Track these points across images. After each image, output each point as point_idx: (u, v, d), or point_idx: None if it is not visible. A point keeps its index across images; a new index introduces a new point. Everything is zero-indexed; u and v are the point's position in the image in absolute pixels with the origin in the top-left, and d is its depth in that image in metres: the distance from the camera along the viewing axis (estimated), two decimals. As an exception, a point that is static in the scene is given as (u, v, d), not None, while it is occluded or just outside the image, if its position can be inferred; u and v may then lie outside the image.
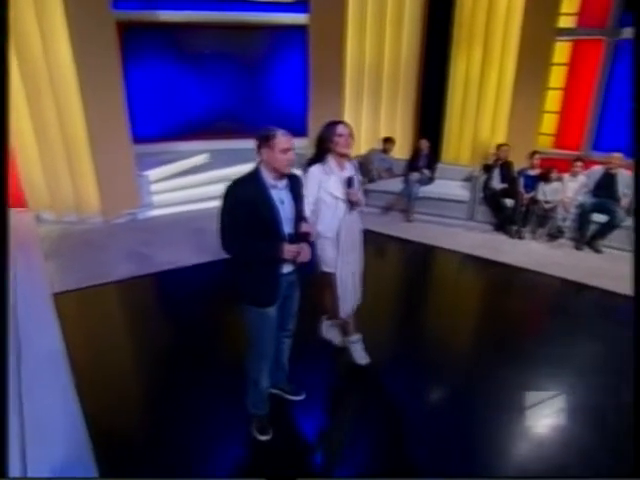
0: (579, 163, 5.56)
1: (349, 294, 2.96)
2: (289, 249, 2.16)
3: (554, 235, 5.53)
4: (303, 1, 7.18)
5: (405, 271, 5.33)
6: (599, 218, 5.28)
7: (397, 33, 7.30)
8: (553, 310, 4.21)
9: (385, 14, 7.16)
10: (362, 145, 7.32)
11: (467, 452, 2.50)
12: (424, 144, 6.61)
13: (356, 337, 3.17)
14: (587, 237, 5.34)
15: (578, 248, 5.33)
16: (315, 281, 2.94)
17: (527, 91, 6.78)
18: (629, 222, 5.13)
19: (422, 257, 5.46)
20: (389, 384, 3.07)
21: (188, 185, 6.90)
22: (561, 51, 6.94)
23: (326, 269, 2.91)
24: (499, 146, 6.09)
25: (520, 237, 5.63)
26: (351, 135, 2.76)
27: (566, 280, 4.58)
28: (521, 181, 5.68)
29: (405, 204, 6.32)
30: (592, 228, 5.33)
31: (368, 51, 7.30)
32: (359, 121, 7.51)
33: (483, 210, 6.04)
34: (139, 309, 4.12)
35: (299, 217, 2.29)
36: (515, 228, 5.67)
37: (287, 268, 2.29)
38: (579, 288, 4.47)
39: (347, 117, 7.21)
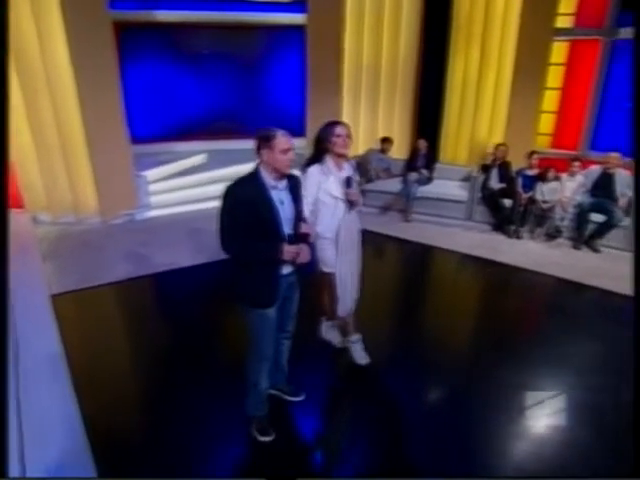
0: (577, 163, 5.57)
1: (348, 293, 2.96)
2: (289, 250, 2.16)
3: (552, 235, 5.54)
4: (301, 1, 7.18)
5: (403, 271, 5.33)
6: (597, 218, 5.29)
7: (395, 33, 7.30)
8: (551, 310, 4.21)
9: (383, 14, 7.17)
10: (360, 145, 7.32)
11: (466, 452, 2.50)
12: (422, 144, 6.61)
13: (356, 337, 3.17)
14: (585, 237, 5.35)
15: (576, 248, 5.34)
16: (314, 282, 2.94)
17: (525, 91, 6.79)
18: (627, 222, 5.15)
19: (420, 257, 5.46)
20: (388, 384, 3.07)
21: (186, 185, 6.89)
22: (558, 51, 6.95)
23: (325, 269, 2.91)
24: (497, 146, 6.10)
25: (518, 237, 5.64)
26: (349, 136, 2.76)
27: (564, 280, 4.59)
28: (519, 181, 5.68)
29: (403, 204, 6.32)
30: (590, 228, 5.34)
31: (366, 51, 7.31)
32: (357, 121, 7.51)
33: (481, 210, 6.04)
34: (137, 310, 4.11)
35: (298, 218, 2.29)
36: (513, 228, 5.68)
37: (287, 269, 2.29)
38: (577, 288, 4.48)
39: (345, 117, 7.21)
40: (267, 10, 7.97)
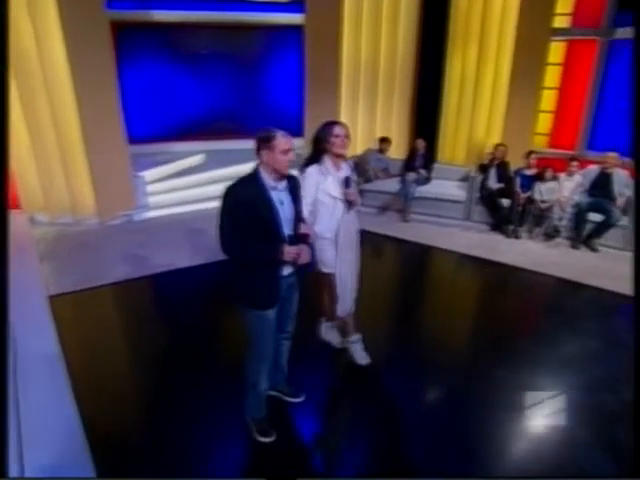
0: (575, 162, 5.58)
1: (348, 293, 2.96)
2: (289, 251, 2.15)
3: (550, 234, 5.55)
4: (298, 1, 7.17)
5: (402, 271, 5.32)
6: (595, 217, 5.30)
7: (393, 33, 7.30)
8: (550, 309, 4.21)
9: (381, 14, 7.17)
10: (358, 145, 7.32)
11: (465, 452, 2.50)
12: (420, 144, 6.61)
13: (356, 337, 3.17)
14: (583, 236, 5.36)
15: (574, 247, 5.35)
16: (314, 282, 2.93)
17: (522, 91, 6.80)
18: (625, 221, 5.16)
19: (419, 257, 5.46)
20: (387, 384, 3.07)
21: (184, 186, 6.87)
22: (556, 51, 6.98)
23: (325, 270, 2.90)
24: (497, 146, 6.10)
25: (517, 237, 5.65)
26: (347, 136, 2.76)
27: (563, 279, 4.60)
28: (517, 181, 5.69)
29: (401, 204, 6.32)
30: (588, 227, 5.35)
31: (364, 51, 7.31)
32: (355, 121, 7.50)
33: (479, 210, 6.05)
34: (135, 311, 4.09)
35: (298, 218, 2.28)
36: (512, 228, 5.69)
37: (287, 270, 2.28)
38: (576, 287, 4.48)
39: (343, 117, 7.21)
40: (265, 10, 7.96)
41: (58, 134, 5.56)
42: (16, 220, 5.08)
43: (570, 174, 5.55)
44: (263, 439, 2.49)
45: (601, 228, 5.27)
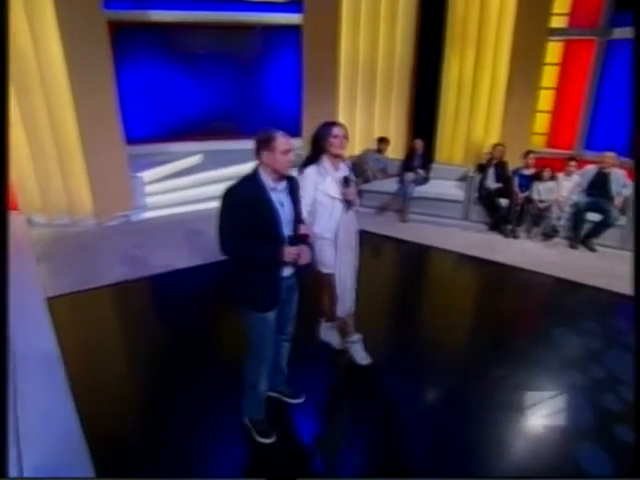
0: (573, 162, 5.60)
1: (348, 293, 2.96)
2: (290, 251, 2.15)
3: (549, 234, 5.56)
4: (296, 1, 7.16)
5: (400, 271, 5.32)
6: (593, 217, 5.32)
7: (391, 32, 7.30)
8: (548, 309, 4.22)
9: (379, 13, 7.16)
10: (356, 145, 7.31)
11: (465, 452, 2.50)
12: (419, 144, 6.61)
13: (356, 337, 3.16)
14: (581, 236, 5.37)
15: (572, 247, 5.36)
16: (313, 283, 2.93)
17: (520, 91, 6.81)
18: (622, 221, 5.17)
19: (417, 257, 5.46)
20: (387, 385, 3.07)
21: (182, 186, 6.85)
22: (553, 51, 6.99)
23: (325, 270, 2.89)
24: (495, 146, 6.10)
25: (515, 236, 5.65)
26: (346, 136, 2.75)
27: (561, 279, 4.60)
28: (516, 181, 5.70)
29: (400, 204, 6.32)
30: (586, 227, 5.36)
31: (362, 51, 7.30)
32: (353, 121, 7.50)
33: (478, 210, 6.05)
34: (133, 312, 4.08)
35: (297, 219, 2.28)
36: (510, 227, 5.69)
37: (287, 271, 2.27)
38: (574, 287, 4.49)
39: (341, 117, 7.21)
40: (263, 10, 7.95)
41: (55, 134, 5.53)
42: (13, 221, 5.05)
43: (568, 174, 5.57)
44: (263, 440, 2.48)
45: (599, 228, 5.28)
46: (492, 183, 5.89)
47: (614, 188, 5.27)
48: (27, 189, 5.70)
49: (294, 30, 7.64)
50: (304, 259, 2.22)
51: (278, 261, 2.16)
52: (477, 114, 7.27)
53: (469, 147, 7.42)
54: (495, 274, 4.88)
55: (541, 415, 2.79)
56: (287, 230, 2.19)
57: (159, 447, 2.49)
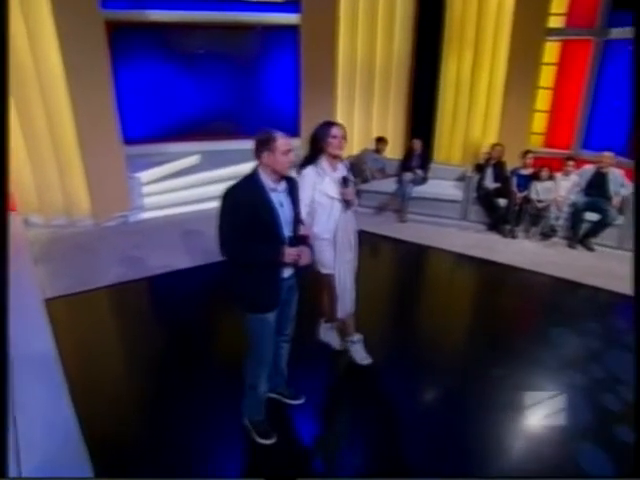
0: (571, 162, 5.61)
1: (348, 293, 2.95)
2: (290, 252, 2.14)
3: (547, 234, 5.57)
4: (294, 1, 7.15)
5: (399, 271, 5.32)
6: (591, 217, 5.32)
7: (389, 32, 7.30)
8: (547, 309, 4.22)
9: (377, 14, 7.17)
10: (354, 145, 7.31)
11: (464, 452, 2.50)
12: (417, 144, 6.61)
13: (357, 337, 3.16)
14: (580, 235, 5.38)
15: (571, 247, 5.36)
16: (313, 283, 2.92)
17: (518, 91, 6.82)
18: (620, 220, 5.18)
19: (416, 257, 5.46)
20: (386, 385, 3.07)
21: (180, 187, 6.83)
22: (550, 51, 7.00)
23: (324, 271, 2.89)
24: (494, 146, 6.09)
25: (513, 236, 5.66)
26: (344, 137, 2.75)
27: (559, 278, 4.61)
28: (514, 180, 5.70)
29: (398, 204, 6.32)
30: (584, 227, 5.37)
31: (360, 51, 7.30)
32: (351, 121, 7.50)
33: (476, 210, 6.06)
34: (132, 313, 4.06)
35: (297, 220, 2.27)
36: (508, 227, 5.70)
37: (287, 272, 2.27)
38: (573, 286, 4.49)
39: (339, 117, 7.20)
40: (261, 10, 7.93)
41: (52, 134, 5.51)
42: (11, 221, 5.04)
43: (566, 173, 5.58)
44: (263, 441, 2.48)
45: (597, 227, 5.29)
46: (490, 183, 5.90)
47: (612, 188, 5.28)
48: (24, 189, 5.67)
49: (292, 30, 7.62)
50: (304, 260, 2.21)
51: (278, 262, 2.16)
52: (475, 114, 7.28)
53: (467, 147, 7.43)
54: (494, 274, 4.88)
55: (540, 415, 2.79)
56: (287, 231, 2.19)
57: (159, 447, 2.49)
